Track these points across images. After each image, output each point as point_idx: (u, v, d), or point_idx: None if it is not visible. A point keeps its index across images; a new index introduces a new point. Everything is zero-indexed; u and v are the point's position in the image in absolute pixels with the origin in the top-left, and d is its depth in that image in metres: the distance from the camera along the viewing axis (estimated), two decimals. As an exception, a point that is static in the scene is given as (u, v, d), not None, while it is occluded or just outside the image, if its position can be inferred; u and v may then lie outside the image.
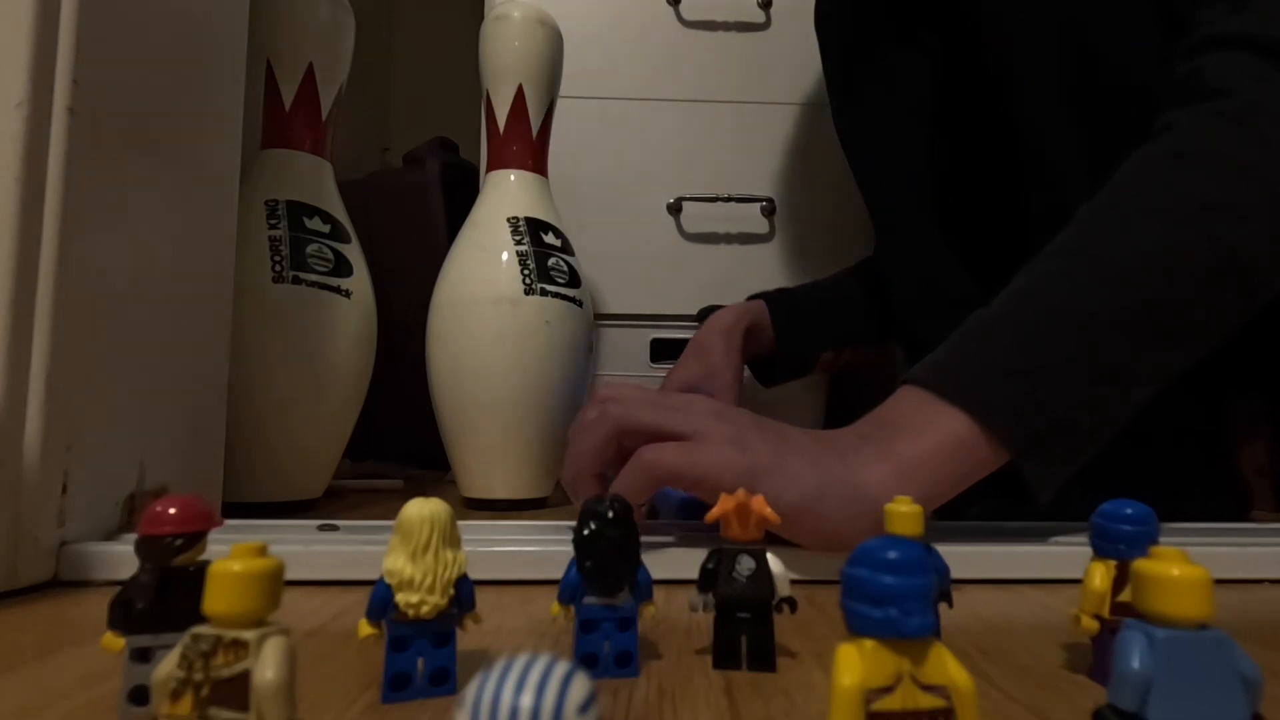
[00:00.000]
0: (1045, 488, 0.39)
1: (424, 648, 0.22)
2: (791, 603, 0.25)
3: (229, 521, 0.41)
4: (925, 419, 0.39)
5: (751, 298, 0.75)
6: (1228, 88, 0.44)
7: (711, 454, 0.36)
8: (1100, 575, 0.24)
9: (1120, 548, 0.24)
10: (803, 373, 0.77)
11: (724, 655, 0.25)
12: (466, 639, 0.24)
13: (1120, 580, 0.24)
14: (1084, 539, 0.25)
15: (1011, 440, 0.38)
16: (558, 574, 0.24)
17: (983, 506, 0.49)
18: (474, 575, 0.23)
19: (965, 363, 0.41)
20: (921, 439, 0.38)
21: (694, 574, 0.26)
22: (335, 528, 0.43)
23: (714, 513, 0.26)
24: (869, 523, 0.35)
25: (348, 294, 0.60)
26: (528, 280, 0.60)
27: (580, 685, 0.13)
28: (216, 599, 0.17)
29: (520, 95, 0.64)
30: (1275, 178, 0.41)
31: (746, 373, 0.72)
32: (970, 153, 0.64)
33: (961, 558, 0.36)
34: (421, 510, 0.22)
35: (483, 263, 0.61)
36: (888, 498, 0.37)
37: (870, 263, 0.80)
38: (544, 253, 0.62)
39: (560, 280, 0.62)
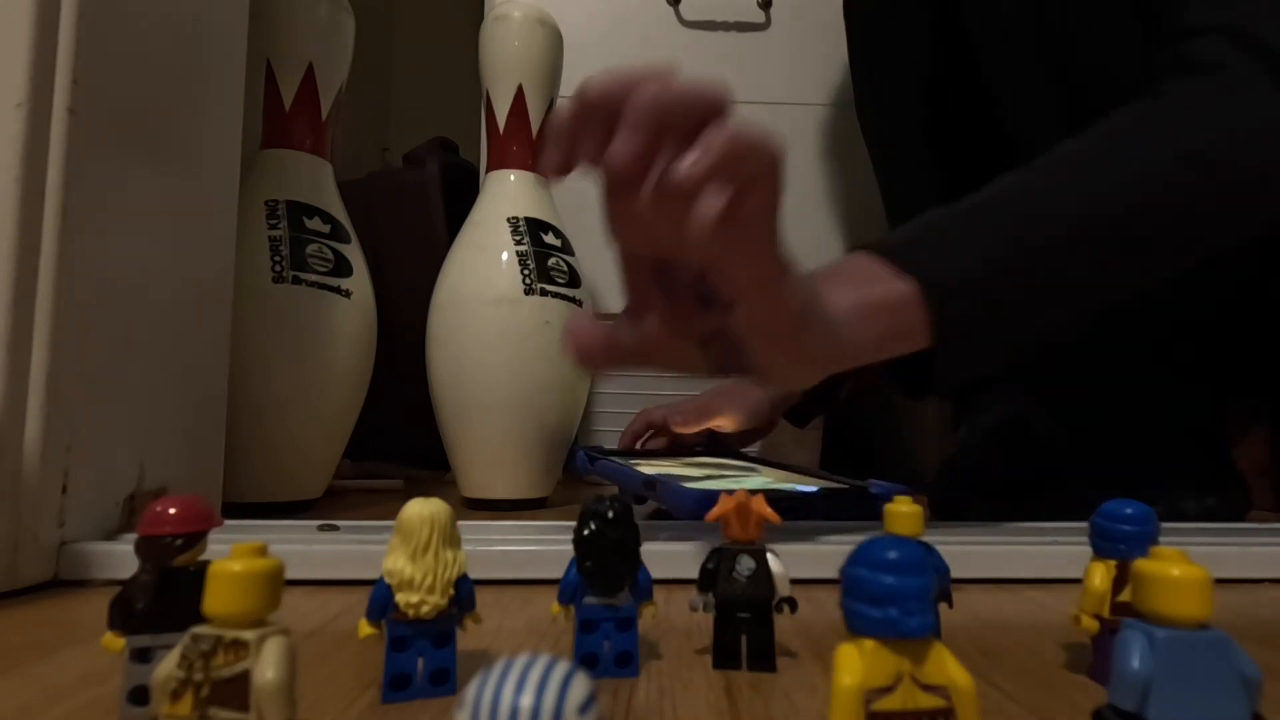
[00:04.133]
0: (948, 377, 0.40)
1: (424, 648, 0.22)
2: (791, 603, 0.25)
3: (229, 521, 0.41)
4: (875, 280, 0.38)
5: None
6: (1209, 68, 0.45)
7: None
8: (1100, 575, 0.24)
9: (1120, 548, 0.24)
10: (832, 408, 0.80)
11: (724, 655, 0.25)
12: (466, 639, 0.24)
13: (1120, 580, 0.24)
14: (1084, 539, 0.25)
15: (938, 312, 0.38)
16: (558, 574, 0.24)
17: (983, 506, 0.49)
18: (474, 575, 0.23)
19: (917, 238, 0.41)
20: (872, 291, 0.38)
21: (694, 574, 0.26)
22: (335, 528, 0.43)
23: (714, 512, 0.26)
24: (830, 351, 0.36)
25: (348, 294, 0.60)
26: (528, 280, 0.60)
27: (580, 685, 0.13)
28: (216, 599, 0.17)
29: (520, 95, 0.64)
30: (1257, 157, 0.43)
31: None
32: (964, 150, 0.65)
33: (961, 558, 0.36)
34: (421, 510, 0.22)
35: (483, 263, 0.61)
36: (849, 331, 0.36)
37: None
38: (544, 253, 0.62)
39: (560, 280, 0.62)
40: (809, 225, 0.90)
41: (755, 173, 0.30)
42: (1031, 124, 0.57)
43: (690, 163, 0.28)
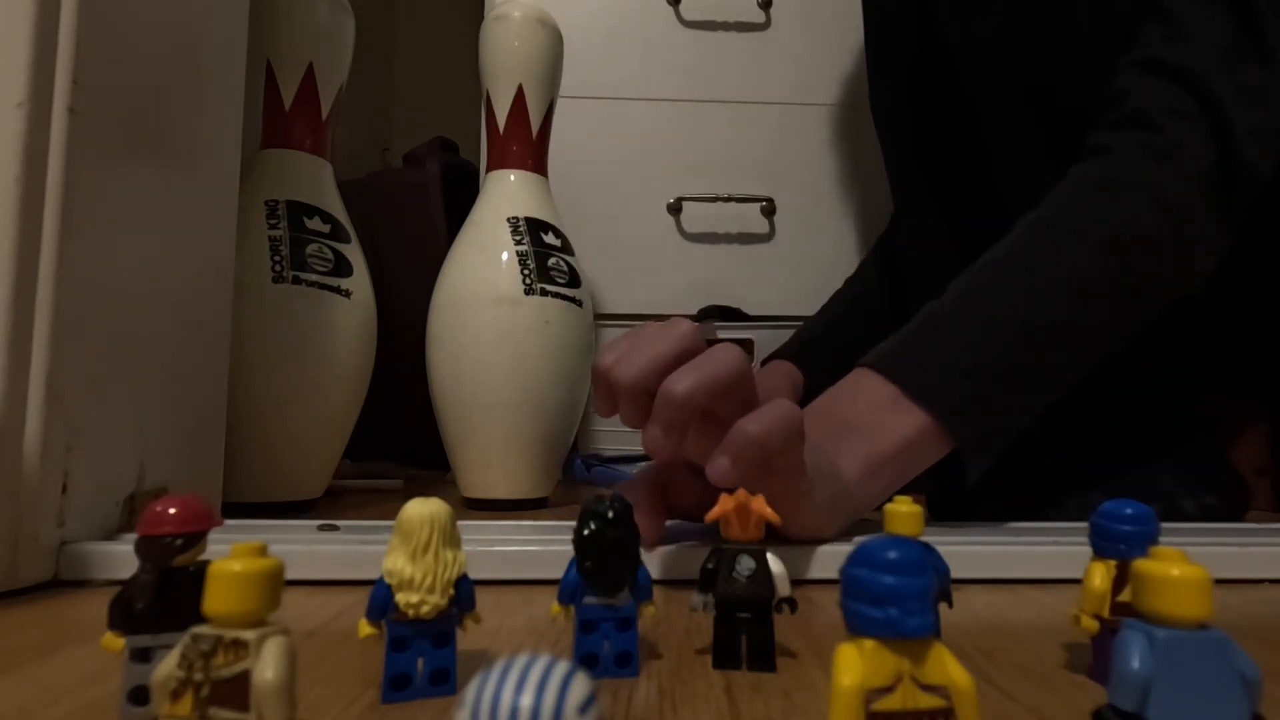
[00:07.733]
0: (975, 475, 0.43)
1: (424, 648, 0.22)
2: (791, 603, 0.25)
3: (229, 521, 0.41)
4: (884, 419, 0.42)
5: (774, 355, 0.72)
6: (1156, 123, 0.47)
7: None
8: (1100, 575, 0.24)
9: (1120, 548, 0.24)
10: None
11: (724, 655, 0.25)
12: (466, 639, 0.24)
13: (1120, 580, 0.24)
14: (1084, 539, 0.25)
15: (959, 436, 0.42)
16: (558, 574, 0.24)
17: (983, 506, 0.49)
18: (474, 575, 0.23)
19: (922, 360, 0.43)
20: (884, 440, 0.41)
21: (694, 574, 0.26)
22: (335, 528, 0.43)
23: (714, 512, 0.26)
24: (848, 516, 0.40)
25: (348, 294, 0.60)
26: (528, 280, 0.60)
27: (580, 685, 0.13)
28: (216, 599, 0.17)
29: (520, 95, 0.64)
30: (1191, 222, 0.46)
31: None
32: (949, 163, 0.65)
33: (961, 558, 0.36)
34: (421, 510, 0.22)
35: (483, 263, 0.61)
36: (862, 495, 0.40)
37: (884, 253, 0.79)
38: (544, 253, 0.62)
39: (560, 280, 0.62)
40: (809, 225, 0.90)
41: (780, 457, 0.33)
42: (1006, 130, 0.58)
43: (719, 471, 0.32)
